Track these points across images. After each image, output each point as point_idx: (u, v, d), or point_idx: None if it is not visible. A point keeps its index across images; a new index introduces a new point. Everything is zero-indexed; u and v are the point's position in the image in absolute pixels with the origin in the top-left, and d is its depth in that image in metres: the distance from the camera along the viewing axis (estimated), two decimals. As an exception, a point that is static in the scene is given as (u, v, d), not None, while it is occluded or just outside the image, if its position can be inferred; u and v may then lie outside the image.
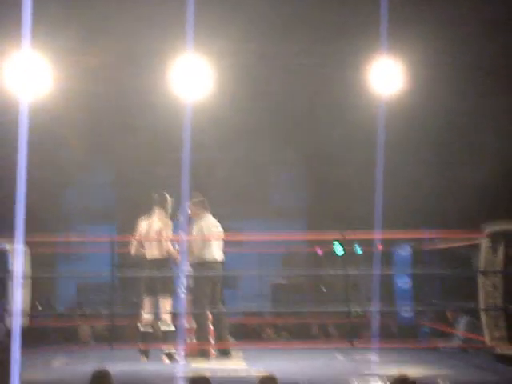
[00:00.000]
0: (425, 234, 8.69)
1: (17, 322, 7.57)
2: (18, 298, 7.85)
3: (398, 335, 9.17)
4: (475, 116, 9.75)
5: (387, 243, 10.01)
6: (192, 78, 8.48)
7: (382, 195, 10.25)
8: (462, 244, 8.51)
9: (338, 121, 10.72)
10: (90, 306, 9.75)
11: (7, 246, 8.18)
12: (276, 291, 11.58)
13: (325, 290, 11.44)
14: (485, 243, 7.64)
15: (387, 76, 8.69)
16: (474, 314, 8.17)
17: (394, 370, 6.35)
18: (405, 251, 9.77)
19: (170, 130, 8.80)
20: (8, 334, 7.03)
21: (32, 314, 8.47)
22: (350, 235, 8.46)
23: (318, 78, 9.91)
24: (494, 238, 7.57)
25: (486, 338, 7.55)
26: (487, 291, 7.59)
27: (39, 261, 8.21)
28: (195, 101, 8.39)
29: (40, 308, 8.98)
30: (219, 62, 8.57)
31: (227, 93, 9.23)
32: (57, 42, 8.14)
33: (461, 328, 8.46)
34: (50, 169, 10.60)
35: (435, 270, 8.93)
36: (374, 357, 7.69)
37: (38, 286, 8.42)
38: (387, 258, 10.05)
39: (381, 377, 6.28)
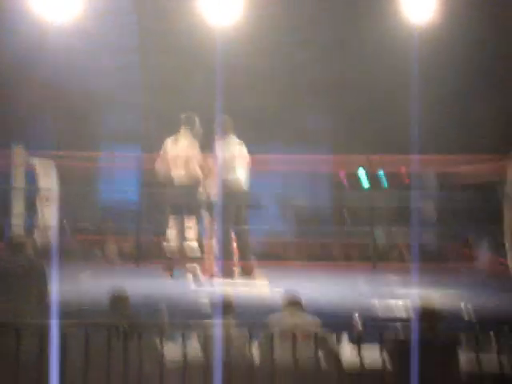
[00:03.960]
0: (452, 159, 8.63)
1: (48, 237, 7.76)
2: (48, 212, 8.00)
3: (420, 258, 9.20)
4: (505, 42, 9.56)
5: (415, 173, 10.00)
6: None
7: (410, 122, 10.18)
8: (487, 171, 8.46)
9: (367, 48, 10.56)
10: (117, 224, 9.85)
11: (36, 162, 8.24)
12: (299, 214, 11.62)
13: (347, 218, 11.46)
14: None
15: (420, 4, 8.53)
16: (496, 238, 8.18)
17: (418, 294, 6.44)
18: (430, 177, 9.74)
19: (201, 53, 8.74)
20: (37, 248, 7.16)
21: (59, 230, 8.57)
22: (375, 159, 8.42)
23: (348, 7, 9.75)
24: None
25: (509, 262, 7.57)
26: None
27: (68, 178, 8.27)
28: (228, 25, 8.32)
29: (67, 224, 9.08)
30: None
31: (259, 17, 9.10)
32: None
33: (483, 251, 8.48)
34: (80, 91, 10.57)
35: (460, 196, 8.91)
36: (395, 279, 7.77)
37: (66, 202, 8.50)
38: (413, 186, 10.04)
39: (404, 300, 6.35)
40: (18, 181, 8.83)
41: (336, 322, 5.61)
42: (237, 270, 7.85)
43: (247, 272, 7.80)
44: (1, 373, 4.59)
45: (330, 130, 11.61)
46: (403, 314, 5.88)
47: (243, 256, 7.82)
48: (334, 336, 5.23)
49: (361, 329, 5.67)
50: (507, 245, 7.78)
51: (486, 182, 8.75)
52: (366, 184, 11.26)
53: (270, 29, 10.36)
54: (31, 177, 8.40)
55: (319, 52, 11.05)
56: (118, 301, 5.38)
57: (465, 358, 5.01)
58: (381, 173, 11.22)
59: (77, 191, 9.58)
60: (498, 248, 8.21)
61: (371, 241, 9.31)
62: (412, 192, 9.77)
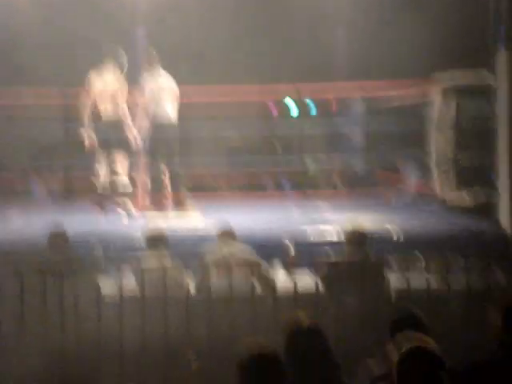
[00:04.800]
0: (377, 84, 8.70)
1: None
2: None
3: (349, 184, 9.36)
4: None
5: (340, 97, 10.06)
6: None
7: (335, 47, 10.19)
8: (412, 95, 8.57)
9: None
10: (47, 163, 9.68)
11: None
12: (231, 152, 11.59)
13: (277, 147, 11.49)
14: (438, 98, 7.71)
15: None
16: (422, 162, 8.35)
17: (346, 217, 6.59)
18: (358, 104, 9.82)
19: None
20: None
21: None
22: (302, 87, 8.42)
23: None
24: (447, 92, 7.65)
25: (437, 189, 7.77)
26: (439, 144, 7.76)
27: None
28: None
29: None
30: None
31: None
32: None
33: (411, 176, 8.66)
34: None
35: (386, 120, 9.02)
36: (325, 205, 7.90)
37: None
38: (340, 112, 10.12)
39: (333, 225, 6.47)
40: None
41: (269, 249, 5.71)
42: (169, 202, 7.85)
43: (179, 204, 7.81)
44: None
45: (256, 58, 11.47)
46: (334, 239, 6.02)
47: (174, 188, 7.82)
48: (266, 262, 5.33)
49: (293, 254, 5.79)
50: (433, 167, 7.97)
51: (410, 106, 8.86)
52: (294, 112, 11.29)
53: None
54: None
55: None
56: (57, 236, 5.35)
57: (393, 277, 5.17)
58: (308, 100, 11.24)
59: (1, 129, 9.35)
60: (425, 171, 8.40)
61: (301, 168, 9.40)
62: (339, 118, 9.87)
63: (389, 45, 9.42)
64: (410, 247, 5.78)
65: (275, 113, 11.44)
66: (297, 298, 4.78)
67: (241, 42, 10.64)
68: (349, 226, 5.42)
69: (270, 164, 10.14)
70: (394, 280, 5.11)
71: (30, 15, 9.89)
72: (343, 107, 10.04)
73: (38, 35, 9.98)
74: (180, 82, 7.94)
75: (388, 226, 6.47)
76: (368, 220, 6.65)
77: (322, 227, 6.49)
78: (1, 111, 8.85)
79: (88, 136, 7.74)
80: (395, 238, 6.24)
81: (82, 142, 7.85)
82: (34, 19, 9.92)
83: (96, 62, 7.74)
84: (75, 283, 4.66)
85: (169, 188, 7.81)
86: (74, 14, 9.96)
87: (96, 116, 7.70)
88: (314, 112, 11.21)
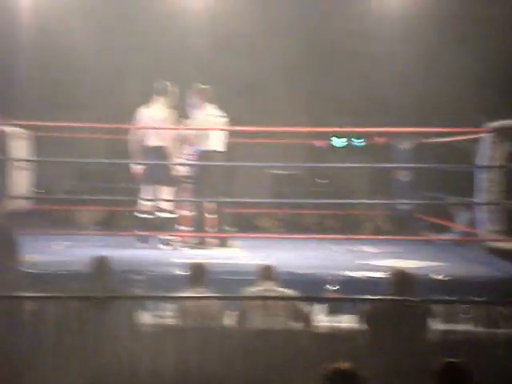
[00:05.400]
0: (425, 129, 8.62)
1: (16, 205, 7.68)
2: (18, 180, 7.91)
3: (395, 229, 9.25)
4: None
5: (387, 137, 10.00)
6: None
7: (384, 89, 10.16)
8: (462, 138, 8.47)
9: (335, 12, 10.47)
10: (90, 193, 9.78)
11: (9, 130, 8.12)
12: (275, 182, 11.62)
13: (324, 181, 11.47)
14: (489, 137, 7.59)
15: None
16: (472, 208, 8.22)
17: (390, 262, 6.48)
18: (405, 145, 9.74)
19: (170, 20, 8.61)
20: (6, 216, 7.07)
21: (31, 197, 8.48)
22: (350, 129, 8.38)
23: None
24: (500, 132, 7.52)
25: (482, 232, 7.61)
26: (487, 186, 7.61)
27: (40, 145, 8.17)
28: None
29: (39, 192, 8.99)
30: None
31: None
32: None
33: (460, 222, 8.53)
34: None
35: (435, 164, 8.92)
36: (370, 249, 7.80)
37: (39, 170, 8.40)
38: (386, 152, 10.05)
39: (379, 269, 6.37)
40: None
41: (311, 292, 5.62)
42: (214, 241, 7.82)
43: (222, 242, 7.79)
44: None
45: (307, 98, 11.52)
46: (377, 281, 5.90)
47: (219, 226, 7.80)
48: (309, 307, 5.25)
49: (334, 294, 5.70)
50: (480, 210, 7.81)
51: (459, 147, 8.76)
52: (340, 144, 11.30)
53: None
54: (3, 145, 8.27)
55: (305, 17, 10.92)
56: (101, 264, 5.37)
57: (438, 327, 5.05)
58: (357, 141, 11.24)
59: (51, 160, 9.47)
60: (472, 218, 8.25)
61: (347, 211, 9.32)
62: (388, 159, 9.79)
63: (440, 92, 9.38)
64: (455, 293, 5.65)
65: (323, 151, 11.45)
66: (336, 337, 4.71)
67: (294, 80, 10.69)
68: (394, 270, 5.32)
69: (315, 204, 10.10)
70: (439, 326, 4.99)
71: (84, 51, 10.08)
72: (392, 148, 9.97)
73: (90, 70, 10.18)
74: (230, 118, 7.98)
75: (433, 271, 6.34)
76: (413, 264, 6.54)
77: (366, 270, 6.38)
78: (53, 143, 8.96)
79: (135, 168, 7.81)
80: (441, 283, 6.10)
81: (129, 174, 7.92)
82: (87, 56, 10.12)
83: (147, 97, 7.83)
84: (115, 312, 4.64)
85: (212, 224, 7.79)
86: (126, 49, 10.14)
87: (144, 149, 7.76)
88: (360, 150, 11.19)
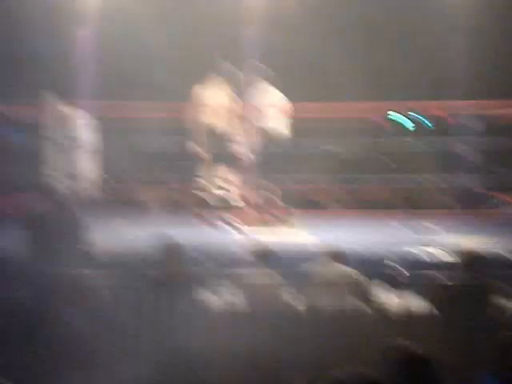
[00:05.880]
0: (495, 104, 8.45)
1: (84, 190, 7.82)
2: (85, 165, 8.04)
3: (462, 205, 9.10)
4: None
5: (453, 113, 9.83)
6: None
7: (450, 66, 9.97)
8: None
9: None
10: (154, 174, 9.86)
11: (74, 112, 8.23)
12: (339, 168, 11.51)
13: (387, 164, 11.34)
14: None
15: None
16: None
17: (458, 240, 6.40)
18: (472, 121, 9.56)
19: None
20: (74, 198, 7.19)
21: (97, 180, 8.61)
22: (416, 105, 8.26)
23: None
24: None
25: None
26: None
27: (105, 128, 8.27)
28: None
29: (105, 176, 9.12)
30: None
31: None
32: None
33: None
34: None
35: (506, 141, 8.73)
36: (436, 226, 7.72)
37: (104, 153, 8.52)
38: (453, 128, 9.88)
39: (444, 245, 6.30)
40: (56, 132, 8.85)
41: (376, 270, 5.60)
42: (275, 219, 7.84)
43: (285, 221, 7.80)
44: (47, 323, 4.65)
45: (364, 74, 11.38)
46: (444, 261, 5.84)
47: (281, 205, 7.81)
48: (374, 284, 5.23)
49: (400, 275, 5.66)
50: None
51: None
52: (409, 125, 11.13)
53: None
54: (69, 128, 8.41)
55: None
56: (172, 249, 5.43)
57: (506, 303, 4.98)
58: (421, 116, 11.05)
59: (113, 142, 9.57)
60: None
61: (412, 187, 9.21)
62: (453, 136, 9.63)
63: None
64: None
65: (386, 128, 11.31)
66: (402, 319, 4.68)
67: (353, 57, 10.58)
68: (461, 249, 5.25)
69: (378, 181, 10.01)
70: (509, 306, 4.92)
71: (143, 30, 10.13)
72: (458, 124, 9.80)
73: (150, 49, 10.22)
74: (288, 97, 7.94)
75: (501, 250, 6.24)
76: (481, 243, 6.45)
77: (432, 249, 6.32)
78: (113, 123, 9.06)
79: (197, 149, 7.85)
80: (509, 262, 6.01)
81: (192, 156, 7.97)
82: (146, 34, 10.16)
83: (207, 76, 7.84)
84: (184, 296, 4.69)
85: (276, 204, 7.81)
86: (185, 29, 10.16)
87: (206, 130, 7.79)
88: (427, 127, 11.02)
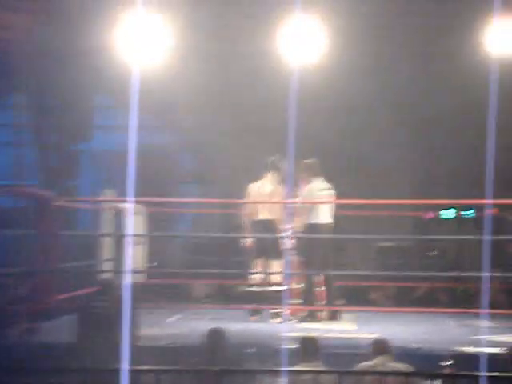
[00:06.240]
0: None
1: (130, 279, 7.95)
2: (131, 255, 8.20)
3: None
4: None
5: (499, 208, 9.80)
6: (302, 40, 8.48)
7: (494, 160, 10.02)
8: None
9: (448, 86, 10.52)
10: (202, 266, 9.97)
11: (125, 206, 8.48)
12: (383, 255, 11.54)
13: (433, 253, 11.33)
14: None
15: (504, 37, 8.44)
16: None
17: (508, 337, 6.30)
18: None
19: (280, 95, 8.87)
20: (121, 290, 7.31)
21: (146, 271, 8.77)
22: (461, 201, 8.27)
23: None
24: None
25: None
26: None
27: (154, 221, 8.47)
28: (307, 65, 8.44)
29: (154, 265, 9.27)
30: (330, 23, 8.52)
31: (337, 58, 9.19)
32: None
33: None
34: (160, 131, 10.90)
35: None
36: (487, 323, 7.60)
37: (153, 245, 8.69)
38: (499, 224, 9.83)
39: (496, 344, 6.22)
40: (108, 225, 9.08)
41: (428, 368, 5.54)
42: (323, 314, 7.82)
43: (334, 316, 7.77)
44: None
45: (412, 170, 11.55)
46: (498, 362, 5.74)
47: (330, 299, 7.81)
48: (425, 381, 5.16)
49: (453, 373, 5.58)
50: None
51: None
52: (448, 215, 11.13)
53: (348, 70, 10.42)
54: (121, 221, 8.64)
55: (396, 92, 11.06)
56: (216, 340, 5.48)
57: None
58: (469, 213, 11.05)
59: (164, 235, 9.77)
60: None
61: (461, 285, 9.13)
62: (499, 234, 9.56)
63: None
64: None
65: (429, 217, 11.32)
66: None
67: (404, 158, 10.74)
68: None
69: (425, 276, 9.95)
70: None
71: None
72: (503, 220, 9.77)
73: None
74: (337, 192, 8.06)
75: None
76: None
77: (482, 346, 6.23)
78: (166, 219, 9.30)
79: (246, 242, 7.96)
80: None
81: (241, 248, 8.07)
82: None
83: (260, 173, 8.02)
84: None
85: (323, 296, 7.81)
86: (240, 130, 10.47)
87: (254, 222, 7.92)
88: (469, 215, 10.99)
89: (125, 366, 4.98)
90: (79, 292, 8.04)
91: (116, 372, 4.74)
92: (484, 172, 9.95)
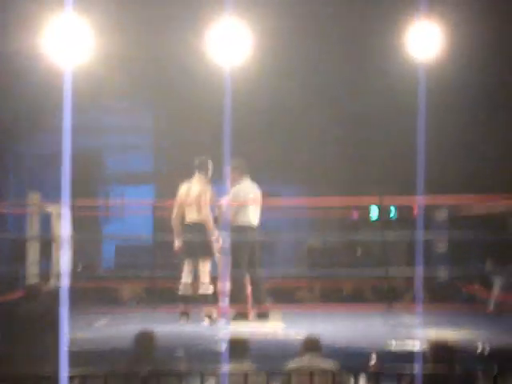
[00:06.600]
0: (463, 199, 8.65)
1: (62, 283, 7.84)
2: (62, 259, 8.09)
3: (435, 299, 9.20)
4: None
5: (425, 207, 10.03)
6: (231, 42, 8.51)
7: (422, 159, 10.24)
8: (500, 209, 8.50)
9: (376, 86, 10.72)
10: (130, 269, 9.91)
11: (51, 209, 8.37)
12: (312, 255, 11.67)
13: (359, 254, 11.52)
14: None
15: (426, 39, 8.64)
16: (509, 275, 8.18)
17: (432, 333, 6.45)
18: (442, 215, 9.77)
19: (210, 96, 8.89)
20: (51, 294, 7.20)
21: (73, 275, 8.64)
22: (388, 200, 8.44)
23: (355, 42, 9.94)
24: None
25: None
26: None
27: (80, 223, 8.37)
28: (235, 66, 8.46)
29: (80, 269, 9.17)
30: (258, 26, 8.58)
31: (264, 58, 9.26)
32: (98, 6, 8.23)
33: (497, 290, 8.47)
34: (89, 133, 10.78)
35: (472, 234, 8.92)
36: (411, 320, 7.78)
37: (79, 248, 8.59)
38: (423, 222, 10.06)
39: (419, 339, 6.36)
40: (34, 228, 8.94)
41: (354, 363, 5.63)
42: (252, 312, 7.87)
43: (262, 315, 7.83)
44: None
45: (337, 168, 11.69)
46: (417, 352, 5.88)
47: (258, 299, 7.85)
48: (352, 378, 5.24)
49: (378, 369, 5.68)
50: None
51: (497, 215, 8.76)
52: (374, 215, 11.31)
53: (277, 70, 10.53)
54: (46, 224, 8.52)
55: (327, 91, 11.22)
56: (144, 342, 5.44)
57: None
58: (392, 209, 11.25)
59: (91, 237, 9.66)
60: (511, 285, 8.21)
61: (385, 280, 9.30)
62: (423, 228, 9.79)
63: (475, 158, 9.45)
64: (497, 363, 5.60)
65: (355, 216, 11.50)
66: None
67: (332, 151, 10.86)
68: (434, 341, 5.31)
69: (353, 275, 10.10)
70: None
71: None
72: (426, 214, 10.00)
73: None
74: (264, 190, 8.12)
75: (475, 342, 6.29)
76: (454, 334, 6.50)
77: (408, 342, 6.37)
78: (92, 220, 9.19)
79: (177, 242, 7.93)
80: (482, 354, 6.06)
81: (171, 250, 8.05)
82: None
83: (188, 173, 8.00)
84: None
85: (252, 298, 7.85)
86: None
87: (183, 224, 7.90)
88: (394, 216, 11.20)
89: (50, 371, 4.91)
90: (3, 297, 7.90)
91: (40, 378, 4.67)
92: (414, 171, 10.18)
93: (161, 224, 8.78)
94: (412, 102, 9.43)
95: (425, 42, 8.64)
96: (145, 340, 5.49)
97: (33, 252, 8.93)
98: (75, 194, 8.20)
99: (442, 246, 9.70)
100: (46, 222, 8.51)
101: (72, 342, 5.98)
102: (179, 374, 4.96)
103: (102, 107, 10.82)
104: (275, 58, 10.03)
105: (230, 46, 8.52)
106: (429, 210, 9.88)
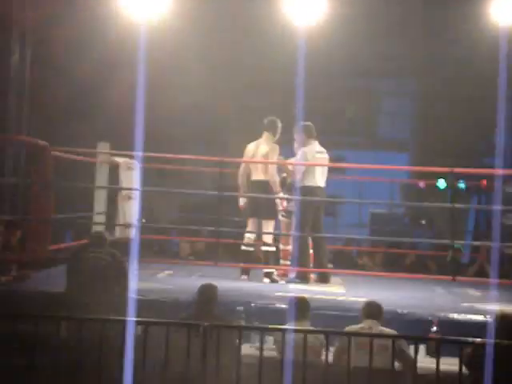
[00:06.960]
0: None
1: (130, 234, 7.96)
2: (129, 210, 8.21)
3: (500, 273, 9.04)
4: None
5: (494, 179, 9.81)
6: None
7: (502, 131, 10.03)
8: None
9: (449, 57, 10.49)
10: (192, 224, 9.99)
11: (120, 160, 8.47)
12: (375, 220, 11.59)
13: (424, 223, 11.39)
14: None
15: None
16: None
17: (497, 307, 6.35)
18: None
19: (283, 58, 8.84)
20: (116, 244, 7.32)
21: (138, 228, 8.75)
22: (458, 170, 8.26)
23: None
24: None
25: None
26: None
27: (148, 176, 8.46)
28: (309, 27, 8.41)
29: (144, 221, 9.27)
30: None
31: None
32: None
33: None
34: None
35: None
36: (475, 292, 7.67)
37: (145, 201, 8.68)
38: (492, 194, 9.86)
39: (482, 312, 6.27)
40: (101, 179, 9.07)
41: (414, 331, 5.59)
42: (313, 275, 7.87)
43: (323, 279, 7.82)
44: (83, 367, 4.71)
45: (410, 138, 11.56)
46: (483, 328, 5.79)
47: (320, 263, 7.84)
48: (411, 348, 5.20)
49: (437, 335, 5.63)
50: None
51: None
52: (442, 185, 11.16)
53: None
54: (115, 175, 8.62)
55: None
56: (207, 295, 5.52)
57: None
58: (462, 184, 11.06)
59: (158, 191, 9.75)
60: None
61: (451, 253, 9.17)
62: (493, 205, 9.60)
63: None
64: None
65: (422, 186, 11.35)
66: (436, 379, 4.64)
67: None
68: (500, 315, 5.22)
69: (417, 245, 10.01)
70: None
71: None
72: (499, 194, 9.79)
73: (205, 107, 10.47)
74: (332, 155, 8.07)
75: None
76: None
77: (471, 316, 6.28)
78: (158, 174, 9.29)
79: (242, 200, 7.96)
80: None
81: (235, 207, 8.08)
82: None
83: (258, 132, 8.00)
84: (217, 341, 4.72)
85: (314, 262, 7.84)
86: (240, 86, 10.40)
87: (249, 183, 7.92)
88: (462, 187, 11.02)
89: (113, 316, 5.01)
90: (71, 243, 8.06)
91: (103, 321, 4.77)
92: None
93: (228, 183, 8.80)
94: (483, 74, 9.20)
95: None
96: (208, 293, 5.56)
97: (100, 202, 9.08)
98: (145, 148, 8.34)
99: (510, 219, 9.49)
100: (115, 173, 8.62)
101: (136, 291, 6.09)
102: (239, 329, 5.00)
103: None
104: (354, 23, 9.89)
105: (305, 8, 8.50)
106: (498, 181, 9.67)
